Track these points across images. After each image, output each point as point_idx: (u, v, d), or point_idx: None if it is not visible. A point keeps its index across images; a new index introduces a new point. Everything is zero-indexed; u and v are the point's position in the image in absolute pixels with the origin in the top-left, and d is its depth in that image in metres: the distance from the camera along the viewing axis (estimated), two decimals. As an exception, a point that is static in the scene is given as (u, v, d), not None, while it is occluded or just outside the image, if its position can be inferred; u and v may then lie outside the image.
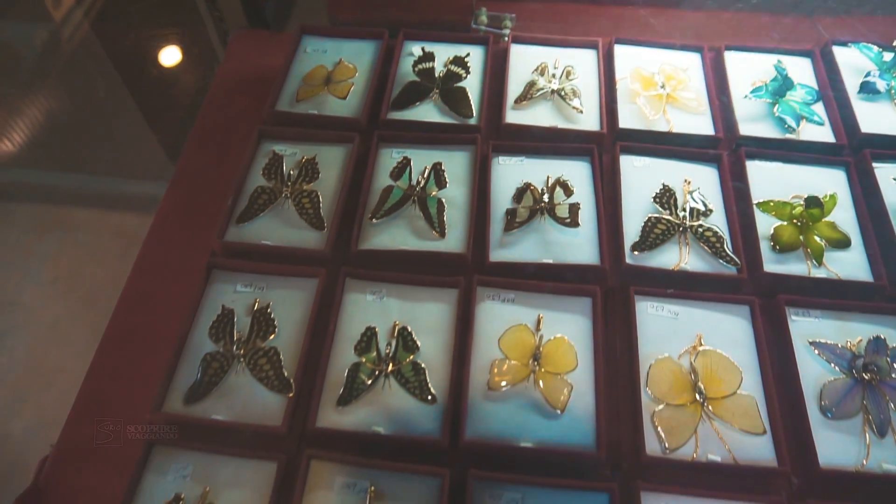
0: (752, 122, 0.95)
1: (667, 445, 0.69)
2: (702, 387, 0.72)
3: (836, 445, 0.70)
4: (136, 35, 1.74)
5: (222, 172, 1.02)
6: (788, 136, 0.93)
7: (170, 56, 1.69)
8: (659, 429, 0.70)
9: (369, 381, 0.73)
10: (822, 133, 0.94)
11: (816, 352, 0.75)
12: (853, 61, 1.01)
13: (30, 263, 1.75)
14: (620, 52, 1.03)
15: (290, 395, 0.72)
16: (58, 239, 1.80)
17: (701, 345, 0.76)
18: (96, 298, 1.73)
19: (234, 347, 0.75)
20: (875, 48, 1.01)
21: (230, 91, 1.13)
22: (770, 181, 0.89)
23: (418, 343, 0.75)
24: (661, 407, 0.72)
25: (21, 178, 1.90)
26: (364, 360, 0.74)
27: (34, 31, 1.82)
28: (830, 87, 0.98)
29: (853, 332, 0.77)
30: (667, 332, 0.78)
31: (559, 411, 0.71)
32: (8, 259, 1.76)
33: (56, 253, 1.77)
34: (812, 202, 0.84)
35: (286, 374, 0.73)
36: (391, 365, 0.74)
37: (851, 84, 0.98)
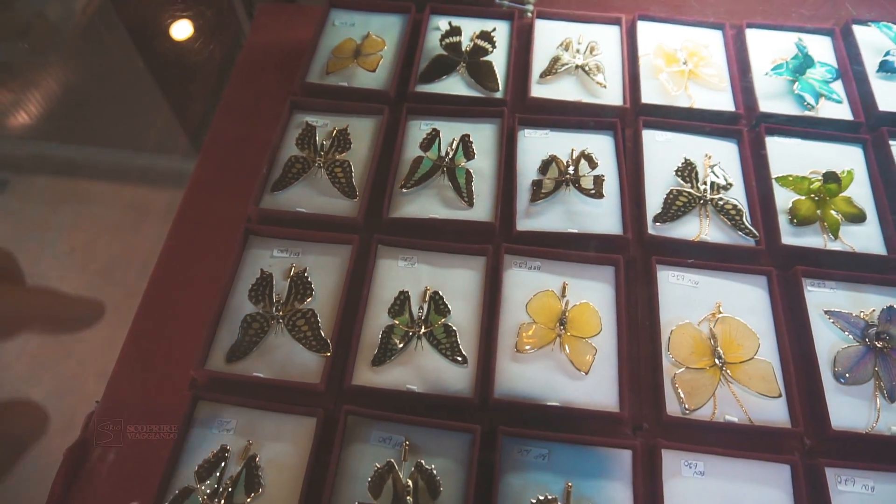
0: (772, 98, 0.97)
1: (687, 406, 0.73)
2: (721, 352, 0.76)
3: (848, 409, 0.73)
4: (157, 7, 1.75)
5: (252, 143, 1.04)
6: (807, 113, 0.95)
7: (190, 29, 1.70)
8: (679, 390, 0.74)
9: (403, 343, 0.76)
10: (840, 111, 0.96)
11: (831, 320, 0.79)
12: (873, 40, 1.03)
13: (46, 235, 1.78)
14: (643, 28, 1.05)
15: (328, 354, 0.75)
16: (73, 211, 1.83)
17: (720, 312, 0.79)
18: (111, 270, 1.76)
19: (274, 309, 0.78)
20: (894, 27, 1.02)
21: (258, 63, 1.15)
22: (789, 157, 0.92)
23: (449, 307, 0.78)
24: (681, 370, 0.75)
25: (37, 150, 1.92)
26: (398, 322, 0.78)
27: (51, 3, 1.83)
28: (850, 66, 1.00)
29: (866, 303, 0.80)
30: (687, 299, 0.81)
31: (584, 373, 0.75)
32: (26, 231, 1.79)
33: (71, 225, 1.80)
34: (830, 177, 0.87)
35: (323, 334, 0.76)
36: (423, 327, 0.77)
37: (870, 63, 1.00)
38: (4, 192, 1.85)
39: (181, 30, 1.72)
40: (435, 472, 0.68)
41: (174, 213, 0.99)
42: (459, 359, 0.75)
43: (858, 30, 1.03)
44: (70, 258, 1.78)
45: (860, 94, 0.97)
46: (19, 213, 1.81)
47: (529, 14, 1.09)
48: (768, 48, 1.02)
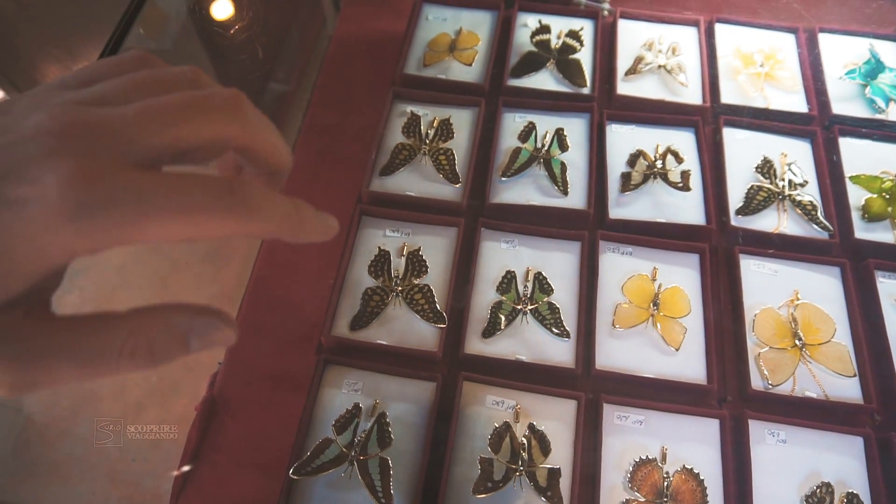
0: (844, 101, 1.03)
1: (770, 382, 0.80)
2: (801, 334, 0.83)
3: (917, 389, 0.81)
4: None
5: (347, 130, 1.12)
6: (878, 116, 1.01)
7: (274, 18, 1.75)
8: (763, 368, 0.81)
9: (510, 318, 0.84)
10: (909, 114, 1.03)
11: (902, 309, 0.86)
12: (940, 47, 1.08)
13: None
14: (721, 30, 1.11)
15: (443, 325, 0.83)
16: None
17: (798, 299, 0.87)
18: (158, 244, 1.84)
19: (393, 283, 0.86)
20: (962, 36, 1.08)
21: (348, 54, 1.22)
22: (860, 157, 0.98)
23: (552, 286, 0.86)
24: (765, 349, 0.83)
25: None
26: (505, 298, 0.85)
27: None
28: (918, 72, 1.06)
29: (934, 294, 0.87)
30: (768, 286, 0.88)
31: (675, 349, 0.82)
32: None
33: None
34: (902, 177, 0.93)
35: (439, 307, 0.84)
36: (529, 304, 0.85)
37: (938, 69, 1.06)
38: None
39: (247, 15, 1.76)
40: (545, 432, 0.76)
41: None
42: (561, 333, 0.83)
43: (927, 37, 1.09)
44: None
45: (928, 99, 1.03)
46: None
47: (606, 13, 1.16)
48: (839, 52, 1.08)
